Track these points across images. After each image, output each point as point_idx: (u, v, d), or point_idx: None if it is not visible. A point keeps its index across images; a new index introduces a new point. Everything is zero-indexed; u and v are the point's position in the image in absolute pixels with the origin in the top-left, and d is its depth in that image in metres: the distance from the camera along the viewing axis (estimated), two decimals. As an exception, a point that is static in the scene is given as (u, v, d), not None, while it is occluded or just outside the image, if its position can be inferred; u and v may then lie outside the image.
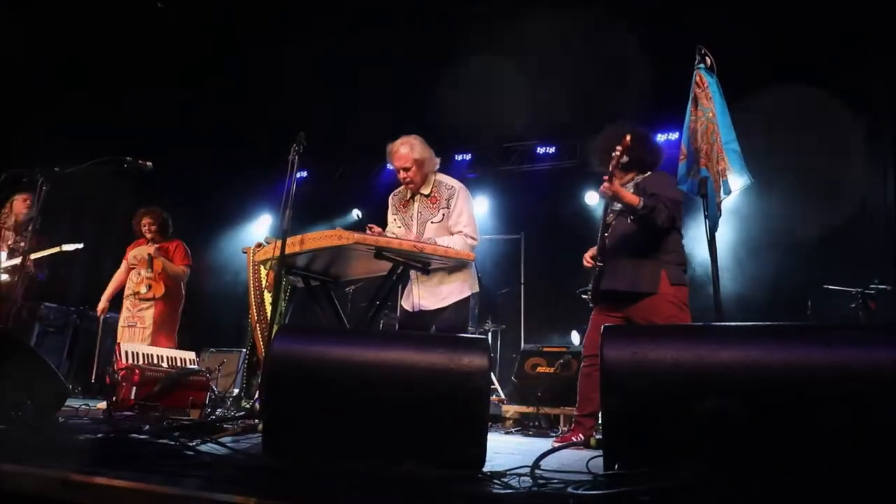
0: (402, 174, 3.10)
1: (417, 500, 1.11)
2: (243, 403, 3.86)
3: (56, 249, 4.62)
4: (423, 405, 1.59)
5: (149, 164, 3.48)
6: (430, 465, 1.51)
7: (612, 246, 3.06)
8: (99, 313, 4.75)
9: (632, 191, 3.07)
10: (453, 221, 3.06)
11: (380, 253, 2.53)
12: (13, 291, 4.45)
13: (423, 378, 1.60)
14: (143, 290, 4.33)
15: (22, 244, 4.60)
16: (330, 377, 1.60)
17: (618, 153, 2.84)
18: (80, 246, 4.72)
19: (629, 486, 0.98)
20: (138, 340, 4.25)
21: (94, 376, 6.11)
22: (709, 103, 2.14)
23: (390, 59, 6.82)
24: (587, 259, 3.18)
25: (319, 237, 2.55)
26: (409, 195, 3.20)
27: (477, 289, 3.17)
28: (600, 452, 1.52)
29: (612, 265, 3.03)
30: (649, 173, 3.14)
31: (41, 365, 2.32)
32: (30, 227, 4.51)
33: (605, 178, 2.85)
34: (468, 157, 8.75)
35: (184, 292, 4.65)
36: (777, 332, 1.29)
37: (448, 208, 3.08)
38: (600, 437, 1.39)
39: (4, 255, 4.68)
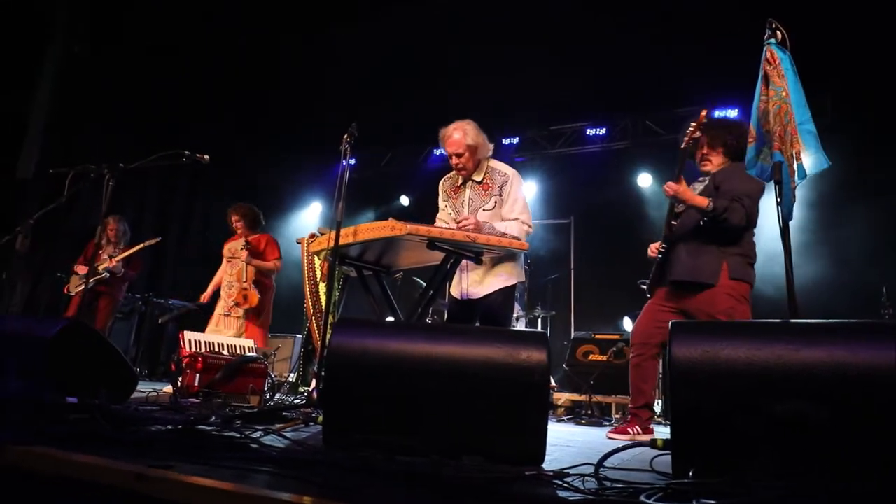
0: (454, 160, 3.07)
1: (478, 501, 1.09)
2: (300, 390, 3.96)
3: (140, 247, 5.34)
4: (481, 400, 1.57)
5: (206, 157, 3.58)
6: (490, 460, 1.50)
7: (678, 235, 2.95)
8: (203, 300, 5.07)
9: (706, 182, 2.95)
10: (507, 209, 3.01)
11: (432, 243, 2.52)
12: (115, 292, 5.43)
13: (482, 372, 1.58)
14: (241, 299, 4.63)
15: (116, 252, 5.41)
16: (388, 371, 1.60)
17: (692, 129, 2.73)
18: (159, 239, 5.44)
19: (704, 497, 0.93)
20: (233, 329, 4.56)
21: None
22: (781, 81, 2.00)
23: (437, 43, 6.75)
24: (652, 249, 3.08)
25: (373, 228, 2.56)
26: (460, 181, 3.16)
27: (523, 279, 3.16)
28: (664, 451, 1.47)
29: (675, 254, 2.93)
30: (727, 163, 3.00)
31: (114, 354, 2.44)
32: (122, 242, 5.47)
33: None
34: (515, 140, 8.64)
35: (274, 284, 4.91)
36: (862, 331, 1.20)
37: (500, 195, 3.04)
38: (667, 437, 1.33)
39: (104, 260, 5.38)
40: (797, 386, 1.14)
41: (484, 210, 3.04)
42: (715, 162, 3.03)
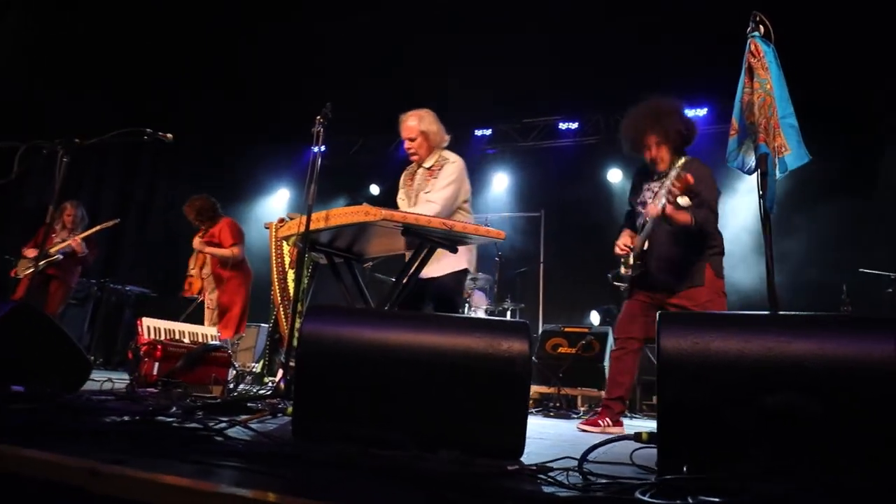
0: (407, 144, 3.16)
1: (462, 497, 1.03)
2: (266, 380, 3.84)
3: (97, 228, 5.11)
4: (461, 391, 1.51)
5: (169, 136, 3.40)
6: (469, 453, 1.45)
7: (657, 248, 2.94)
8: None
9: (673, 174, 2.94)
10: (433, 186, 3.01)
11: (408, 230, 2.44)
12: (70, 275, 5.18)
13: (462, 363, 1.52)
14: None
15: (69, 238, 5.12)
16: (363, 360, 1.53)
17: (677, 189, 2.64)
18: (117, 221, 5.26)
19: (701, 493, 0.89)
20: (211, 319, 4.54)
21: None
22: (766, 74, 1.99)
23: (410, 32, 6.63)
24: (620, 247, 3.06)
25: (345, 213, 2.46)
26: (415, 169, 3.21)
27: (474, 265, 3.20)
28: (642, 444, 1.44)
29: (658, 264, 2.93)
30: (684, 160, 2.97)
31: (65, 340, 2.29)
32: (79, 228, 5.18)
33: (668, 201, 2.72)
34: (488, 132, 8.61)
35: (243, 268, 4.79)
36: (854, 323, 1.18)
37: (438, 178, 3.04)
38: (647, 430, 1.30)
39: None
40: (788, 378, 1.12)
41: (425, 193, 3.04)
42: (666, 159, 3.00)
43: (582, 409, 5.20)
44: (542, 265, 7.29)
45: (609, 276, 3.51)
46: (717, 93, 7.14)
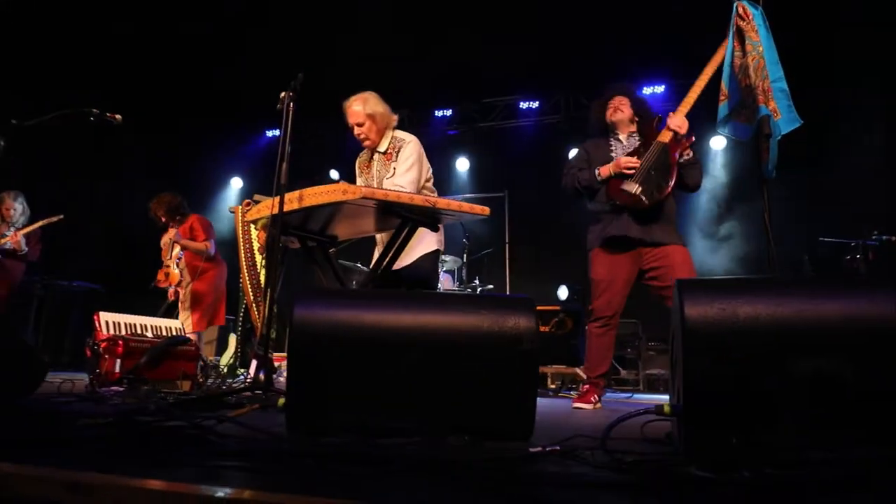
0: (356, 130, 3.03)
1: (500, 485, 0.95)
2: (239, 372, 3.66)
3: (39, 224, 4.84)
4: (467, 372, 1.43)
5: (118, 116, 3.17)
6: (475, 437, 1.37)
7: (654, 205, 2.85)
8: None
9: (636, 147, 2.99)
10: (396, 172, 2.93)
11: (389, 208, 2.32)
12: (12, 273, 4.87)
13: (466, 342, 1.43)
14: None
15: (7, 234, 4.80)
16: (361, 344, 1.42)
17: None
18: (61, 217, 4.95)
19: (755, 466, 0.84)
20: (183, 308, 4.40)
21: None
22: (757, 36, 1.96)
23: (366, 11, 6.41)
24: (627, 161, 2.85)
25: (321, 192, 2.32)
26: (369, 155, 3.10)
27: (443, 246, 3.13)
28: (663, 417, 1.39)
29: (650, 217, 2.84)
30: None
31: (14, 340, 2.08)
32: (19, 223, 4.89)
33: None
34: (448, 112, 8.49)
35: (217, 261, 4.61)
36: (879, 285, 1.15)
37: (397, 161, 2.96)
38: (672, 403, 1.25)
39: None
40: (824, 343, 1.08)
41: (387, 179, 2.95)
42: (633, 129, 3.08)
43: (552, 386, 5.25)
44: (507, 245, 7.28)
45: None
46: (673, 71, 7.24)
